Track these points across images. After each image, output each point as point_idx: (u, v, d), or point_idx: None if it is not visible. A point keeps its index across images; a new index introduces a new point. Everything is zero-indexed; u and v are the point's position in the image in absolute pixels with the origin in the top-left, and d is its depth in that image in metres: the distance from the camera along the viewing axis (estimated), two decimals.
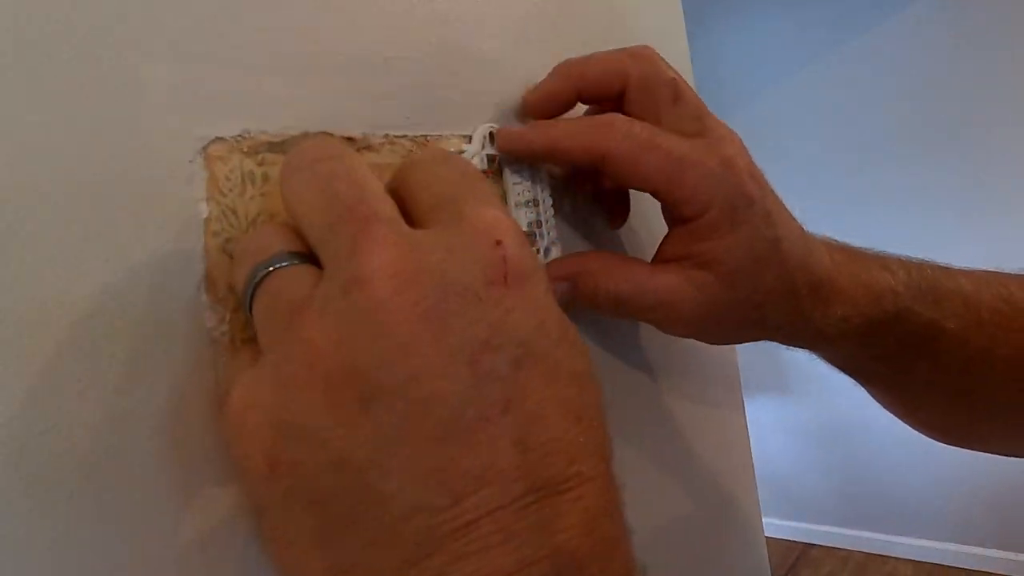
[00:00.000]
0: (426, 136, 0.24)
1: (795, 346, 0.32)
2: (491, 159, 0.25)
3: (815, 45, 2.47)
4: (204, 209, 0.18)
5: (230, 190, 0.19)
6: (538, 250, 0.26)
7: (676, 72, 0.27)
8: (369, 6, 0.23)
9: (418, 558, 0.13)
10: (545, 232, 0.27)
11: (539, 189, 0.27)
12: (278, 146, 0.20)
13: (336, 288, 0.14)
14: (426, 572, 0.13)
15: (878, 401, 0.39)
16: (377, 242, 0.14)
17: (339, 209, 0.15)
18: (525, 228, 0.26)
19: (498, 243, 0.15)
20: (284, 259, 0.16)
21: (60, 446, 0.16)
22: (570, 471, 0.15)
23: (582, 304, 0.27)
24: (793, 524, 2.74)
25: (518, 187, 0.26)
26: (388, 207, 0.16)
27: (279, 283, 0.16)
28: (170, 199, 0.18)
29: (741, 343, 0.32)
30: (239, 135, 0.19)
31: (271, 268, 0.16)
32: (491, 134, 0.25)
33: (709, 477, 0.38)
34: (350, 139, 0.22)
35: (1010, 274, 0.37)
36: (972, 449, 0.42)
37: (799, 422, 2.66)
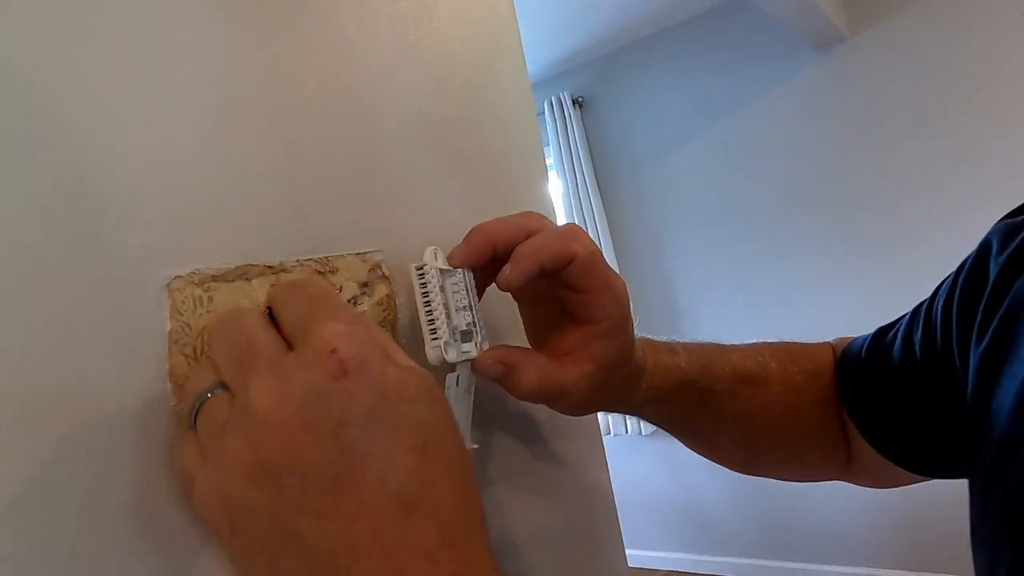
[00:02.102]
0: (327, 257, 0.34)
1: (619, 412, 0.45)
2: (442, 272, 0.34)
3: (712, 113, 2.73)
4: (168, 325, 0.27)
5: (186, 310, 0.28)
6: (476, 344, 0.35)
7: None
8: (277, 174, 0.33)
9: (334, 570, 0.22)
10: (478, 329, 0.35)
11: (471, 297, 0.35)
12: (219, 276, 0.29)
13: (239, 410, 0.23)
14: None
15: (688, 447, 0.52)
16: (258, 376, 0.23)
17: (235, 356, 0.25)
18: (464, 327, 0.34)
19: (333, 351, 0.23)
20: (213, 389, 0.25)
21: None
22: (420, 491, 0.23)
23: (506, 387, 0.37)
24: (718, 559, 2.86)
25: (457, 295, 0.34)
26: (269, 343, 0.25)
27: (210, 408, 0.25)
28: (145, 319, 0.27)
29: (604, 409, 0.44)
30: (191, 272, 0.28)
31: (207, 396, 0.25)
32: (435, 251, 0.34)
33: (573, 517, 0.48)
34: (270, 266, 0.31)
35: (772, 344, 0.51)
36: (763, 476, 0.55)
37: None
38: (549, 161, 3.15)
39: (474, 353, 0.35)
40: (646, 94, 2.89)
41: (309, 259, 0.33)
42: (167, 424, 0.27)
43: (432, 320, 0.34)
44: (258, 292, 0.31)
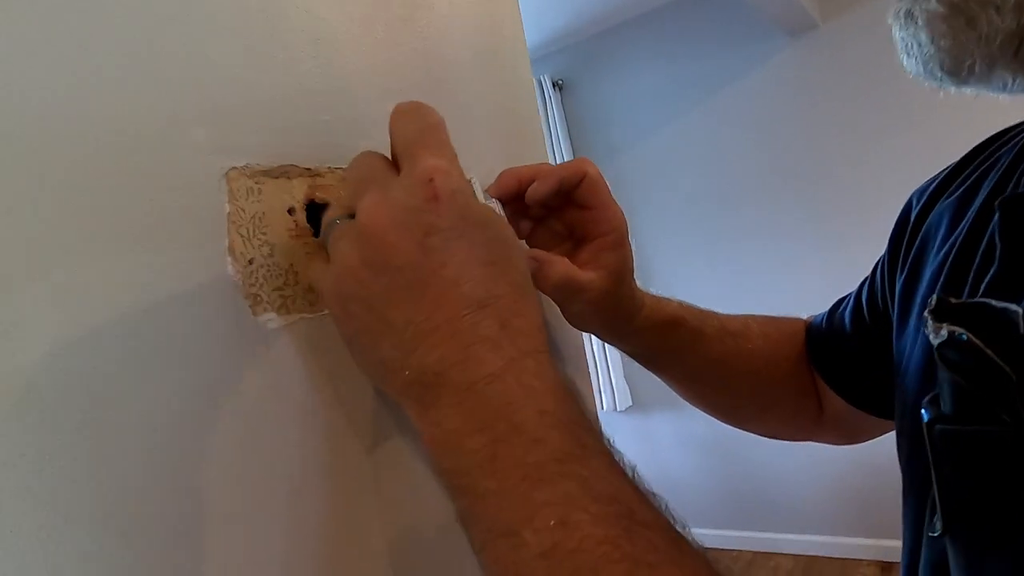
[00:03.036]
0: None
1: (620, 341, 0.51)
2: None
3: (688, 97, 2.80)
4: (227, 207, 0.32)
5: (240, 197, 0.32)
6: None
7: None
8: (311, 94, 0.38)
9: (416, 351, 0.28)
10: None
11: (504, 217, 0.43)
12: (267, 172, 0.34)
13: (353, 223, 0.30)
14: (422, 354, 0.28)
15: (672, 388, 0.59)
16: (369, 193, 0.30)
17: (357, 182, 0.32)
18: None
19: (430, 180, 0.29)
20: (342, 217, 0.32)
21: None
22: (488, 295, 0.29)
23: (536, 279, 0.44)
24: (691, 531, 2.96)
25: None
26: (381, 170, 0.31)
27: (337, 228, 0.32)
28: (210, 200, 0.31)
29: (601, 333, 0.51)
30: (245, 165, 0.33)
31: (335, 222, 0.32)
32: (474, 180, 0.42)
33: None
34: (307, 168, 0.36)
35: (756, 316, 0.60)
36: (744, 428, 0.63)
37: (692, 435, 2.91)
38: None
39: None
40: (624, 78, 2.95)
41: (339, 167, 0.38)
42: (227, 288, 0.31)
43: None
44: (297, 189, 0.35)
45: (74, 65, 0.27)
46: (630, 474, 0.28)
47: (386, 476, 0.38)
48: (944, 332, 0.33)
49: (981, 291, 0.35)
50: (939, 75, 0.36)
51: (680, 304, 0.54)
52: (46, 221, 0.26)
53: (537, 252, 0.45)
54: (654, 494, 0.28)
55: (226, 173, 0.32)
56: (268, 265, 0.33)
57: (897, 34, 0.37)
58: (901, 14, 0.36)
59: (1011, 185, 0.39)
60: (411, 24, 0.45)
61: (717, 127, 2.73)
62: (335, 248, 0.31)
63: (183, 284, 0.30)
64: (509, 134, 0.53)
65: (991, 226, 0.36)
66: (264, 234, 0.33)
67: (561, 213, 0.47)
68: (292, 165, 0.35)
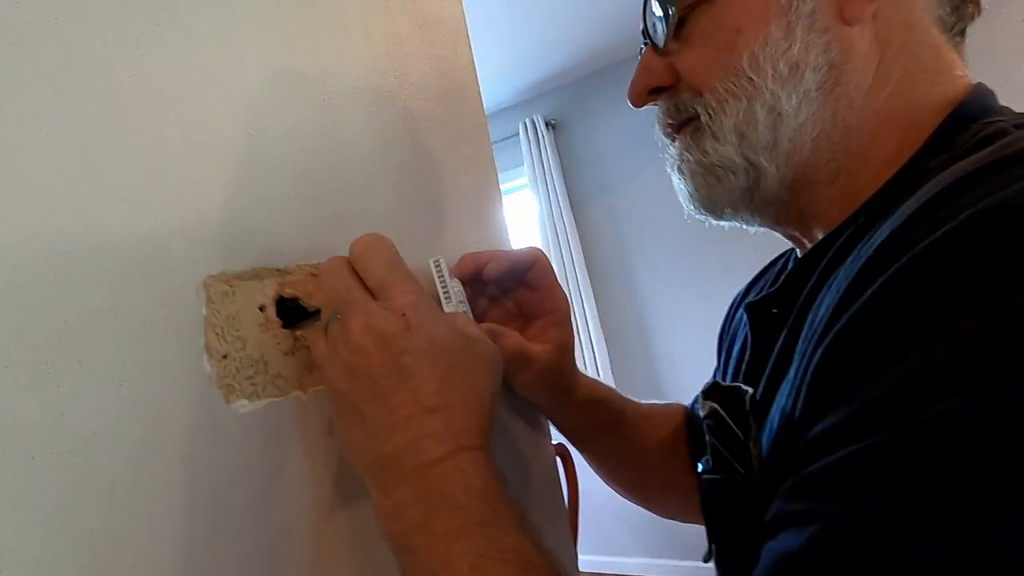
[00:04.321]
0: (318, 263, 0.44)
1: (559, 414, 0.58)
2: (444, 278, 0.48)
3: None
4: (204, 311, 0.37)
5: (216, 300, 0.38)
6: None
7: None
8: (278, 201, 0.43)
9: (379, 439, 0.35)
10: (469, 315, 0.49)
11: (465, 294, 0.49)
12: (240, 276, 0.39)
13: (343, 333, 0.37)
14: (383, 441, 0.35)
15: (594, 469, 0.66)
16: (356, 315, 0.37)
17: (341, 297, 0.38)
18: (463, 308, 0.48)
19: (403, 314, 0.36)
20: (334, 316, 0.39)
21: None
22: (440, 403, 0.36)
23: None
24: (684, 563, 2.96)
25: (458, 293, 0.48)
26: (360, 294, 0.38)
27: (332, 327, 0.39)
28: (189, 307, 0.37)
29: (545, 406, 0.57)
30: (221, 273, 0.38)
31: (334, 318, 0.39)
32: (438, 261, 0.48)
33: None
34: (277, 269, 0.41)
35: (664, 403, 0.68)
36: (653, 509, 0.69)
37: None
38: (523, 180, 3.28)
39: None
40: (616, 117, 3.03)
41: (305, 263, 0.43)
42: (203, 381, 0.37)
43: (447, 293, 0.48)
44: (267, 287, 0.41)
45: (67, 203, 0.33)
46: (533, 533, 0.35)
47: (353, 532, 0.43)
48: (707, 407, 0.44)
49: (741, 374, 0.45)
50: (702, 212, 0.47)
51: (607, 387, 0.61)
52: (47, 340, 0.31)
53: (492, 326, 0.51)
54: (547, 549, 0.34)
55: (204, 281, 0.38)
56: (240, 358, 0.39)
57: (674, 181, 0.48)
58: (674, 167, 0.47)
59: (759, 290, 0.51)
60: (371, 123, 0.51)
61: None
62: (332, 349, 0.38)
63: (165, 382, 0.35)
64: (473, 215, 0.59)
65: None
66: (237, 330, 0.39)
67: (513, 293, 0.53)
68: (263, 267, 0.41)
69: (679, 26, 0.44)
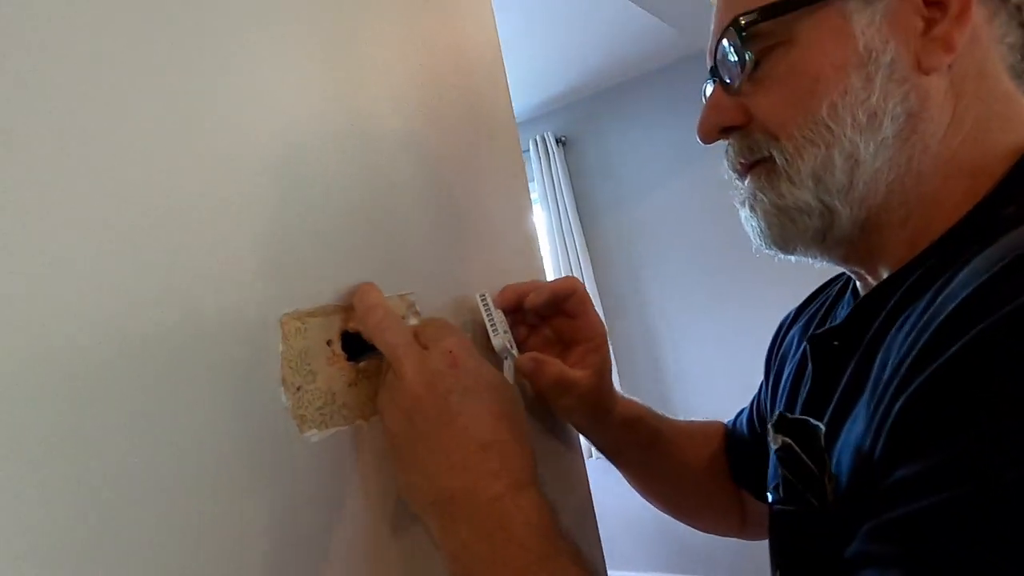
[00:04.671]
0: (404, 294, 0.47)
1: (598, 433, 0.61)
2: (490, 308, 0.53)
3: (687, 154, 2.90)
4: (280, 347, 0.40)
5: (290, 336, 0.41)
6: (512, 354, 0.53)
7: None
8: (339, 244, 0.46)
9: (435, 479, 0.38)
10: (513, 343, 0.53)
11: (507, 325, 0.53)
12: (312, 313, 0.42)
13: (397, 378, 0.40)
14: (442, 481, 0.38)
15: (630, 482, 0.68)
16: (410, 361, 0.40)
17: (400, 344, 0.41)
18: (508, 344, 0.52)
19: (451, 352, 0.39)
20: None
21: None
22: (493, 439, 0.39)
23: (535, 378, 0.54)
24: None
25: (502, 323, 0.52)
26: (414, 344, 0.41)
27: (388, 372, 0.42)
28: (267, 343, 0.39)
29: (583, 426, 0.60)
30: (295, 310, 0.41)
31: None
32: (484, 296, 0.53)
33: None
34: (342, 307, 0.44)
35: (699, 421, 0.70)
36: (689, 523, 0.71)
37: None
38: (534, 195, 3.31)
39: (516, 352, 0.54)
40: (625, 135, 3.07)
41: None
42: (279, 414, 0.39)
43: (493, 324, 0.52)
44: (333, 324, 0.44)
45: (169, 263, 0.36)
46: (588, 563, 0.37)
47: (411, 555, 0.45)
48: (779, 440, 0.46)
49: (799, 406, 0.47)
50: (772, 248, 0.47)
51: (643, 405, 0.64)
52: (143, 377, 0.34)
53: (536, 355, 0.54)
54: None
55: (280, 319, 0.40)
56: (311, 390, 0.41)
57: (743, 215, 0.48)
58: (745, 203, 0.48)
59: (817, 322, 0.53)
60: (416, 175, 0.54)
61: (716, 182, 2.81)
62: (387, 392, 0.41)
63: (246, 415, 0.38)
64: (510, 245, 0.62)
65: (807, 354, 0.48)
66: (309, 364, 0.42)
67: (551, 321, 0.56)
68: (329, 304, 0.44)
69: (753, 68, 0.44)
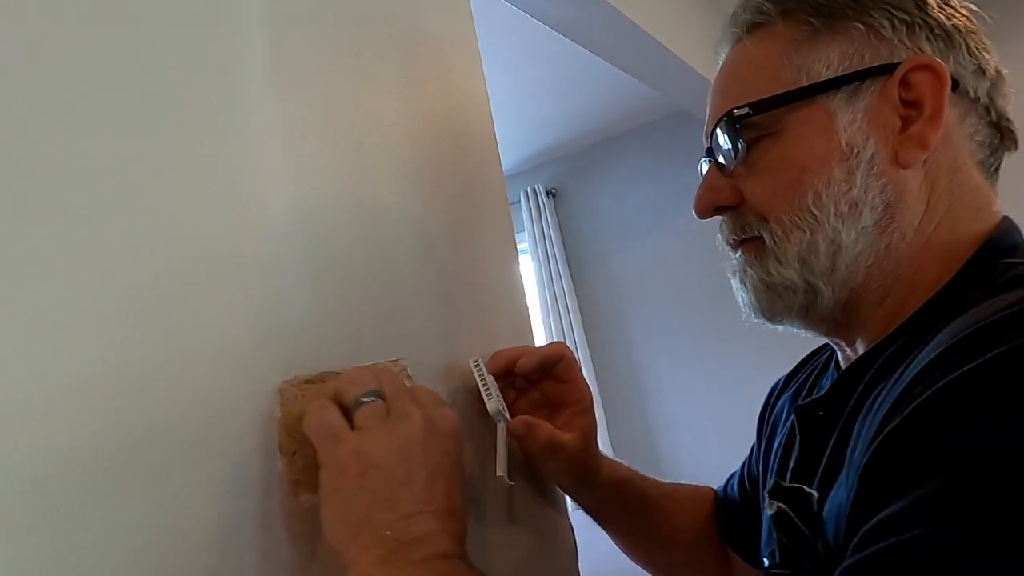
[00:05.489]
0: (371, 364, 0.49)
1: (584, 495, 0.62)
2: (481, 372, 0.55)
3: (675, 207, 2.96)
4: (279, 413, 0.42)
5: (288, 402, 0.42)
6: (505, 417, 0.55)
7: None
8: (334, 318, 0.48)
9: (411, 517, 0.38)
10: (505, 407, 0.55)
11: (498, 389, 0.55)
12: (309, 380, 0.44)
13: (399, 412, 0.41)
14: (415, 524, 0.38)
15: (617, 544, 0.70)
16: (416, 401, 0.41)
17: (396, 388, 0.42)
18: (502, 407, 0.54)
19: (456, 420, 0.41)
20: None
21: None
22: (458, 506, 0.40)
23: (526, 441, 0.55)
24: None
25: (495, 388, 0.54)
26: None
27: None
28: (264, 410, 0.41)
29: (570, 488, 0.62)
30: (294, 378, 0.43)
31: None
32: (477, 361, 0.55)
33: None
34: (337, 372, 0.46)
35: (685, 484, 0.71)
36: None
37: None
38: (523, 246, 3.36)
39: (507, 416, 0.55)
40: (614, 188, 3.14)
41: (363, 364, 0.48)
42: (274, 478, 0.41)
43: (487, 388, 0.54)
44: (330, 388, 0.45)
45: (172, 319, 0.38)
46: None
47: None
48: (775, 507, 0.47)
49: (790, 472, 0.49)
50: (760, 318, 0.50)
51: (629, 467, 0.65)
52: (142, 449, 0.36)
53: (528, 418, 0.56)
54: None
55: (279, 386, 0.42)
56: (307, 454, 0.43)
57: (734, 285, 0.52)
58: (735, 274, 0.51)
59: (805, 391, 0.56)
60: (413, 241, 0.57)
61: (704, 235, 2.87)
62: (377, 423, 0.40)
63: (243, 482, 0.39)
64: (502, 311, 0.64)
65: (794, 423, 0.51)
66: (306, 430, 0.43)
67: (540, 385, 0.58)
68: (327, 371, 0.46)
69: (746, 154, 0.48)
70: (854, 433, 0.41)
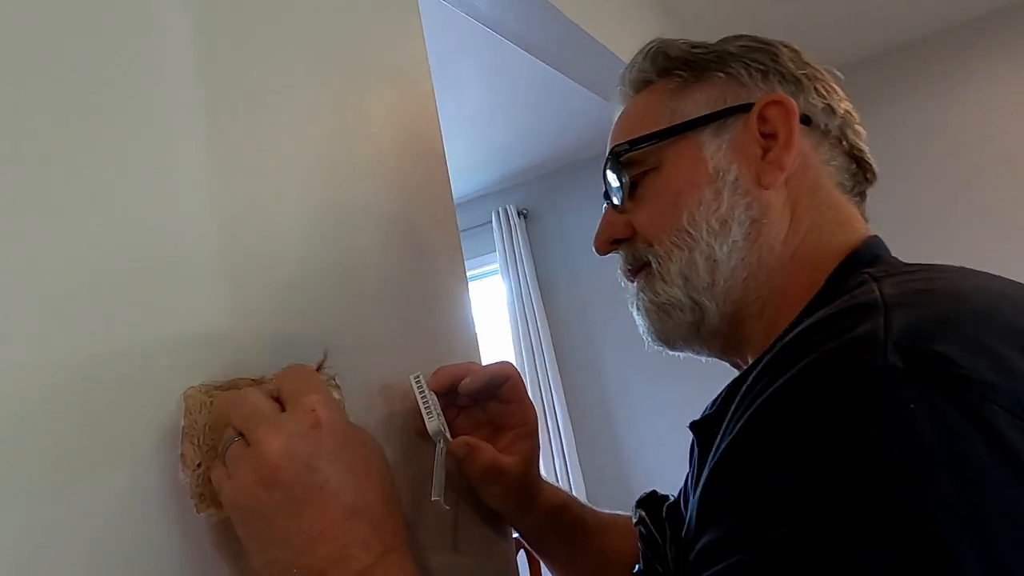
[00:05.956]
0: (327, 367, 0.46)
1: (521, 519, 0.60)
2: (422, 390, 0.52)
3: None
4: (182, 422, 0.39)
5: (195, 411, 0.40)
6: (446, 438, 0.51)
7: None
8: (258, 315, 0.46)
9: (304, 554, 0.35)
10: (446, 427, 0.52)
11: (440, 407, 0.52)
12: (220, 387, 0.41)
13: (249, 449, 0.36)
14: (307, 555, 0.35)
15: (551, 569, 0.70)
16: (262, 426, 0.36)
17: (248, 416, 0.38)
18: (443, 427, 0.51)
19: (312, 410, 0.37)
20: (235, 438, 0.38)
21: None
22: (363, 504, 0.36)
23: (466, 464, 0.53)
24: None
25: (436, 407, 0.51)
26: (269, 406, 0.38)
27: (233, 447, 0.37)
28: (168, 419, 0.38)
29: (508, 512, 0.60)
30: (202, 384, 0.40)
31: (232, 440, 0.38)
32: (418, 377, 0.51)
33: None
34: (254, 379, 0.43)
35: (623, 514, 0.69)
36: None
37: None
38: (495, 266, 3.35)
39: (448, 437, 0.52)
40: (586, 209, 3.15)
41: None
42: (177, 490, 0.38)
43: (428, 406, 0.51)
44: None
45: (61, 321, 0.35)
46: None
47: None
48: (638, 514, 0.50)
49: (689, 488, 0.50)
50: (658, 343, 0.54)
51: (567, 493, 0.63)
52: (38, 456, 0.33)
53: (469, 439, 0.53)
54: None
55: (184, 393, 0.40)
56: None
57: (635, 316, 0.55)
58: (633, 304, 0.55)
59: (705, 411, 0.55)
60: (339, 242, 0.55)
61: None
62: (234, 466, 0.37)
63: (141, 492, 0.36)
64: (445, 325, 0.62)
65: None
66: (213, 439, 0.40)
67: (484, 404, 0.56)
68: (240, 377, 0.43)
69: (632, 189, 0.53)
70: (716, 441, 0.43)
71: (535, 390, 3.13)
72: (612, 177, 0.54)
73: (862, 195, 0.54)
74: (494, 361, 0.57)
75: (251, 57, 0.50)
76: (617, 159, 0.53)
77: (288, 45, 0.53)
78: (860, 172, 0.54)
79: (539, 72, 1.51)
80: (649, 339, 0.54)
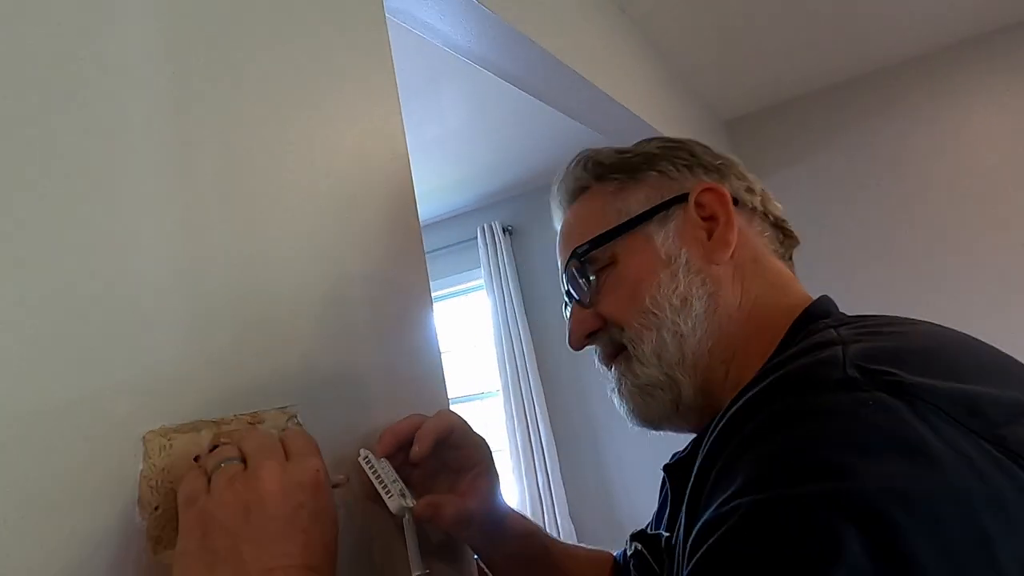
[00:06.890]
0: (256, 412, 0.47)
1: (489, 546, 0.62)
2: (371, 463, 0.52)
3: None
4: (141, 466, 0.40)
5: (153, 454, 0.41)
6: (409, 499, 0.52)
7: None
8: (218, 359, 0.47)
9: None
10: (407, 494, 0.52)
11: (394, 473, 0.53)
12: (178, 430, 0.42)
13: (237, 472, 0.39)
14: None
15: None
16: (272, 459, 0.39)
17: (259, 448, 0.40)
18: (402, 500, 0.51)
19: (316, 471, 0.40)
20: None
21: None
22: (322, 561, 0.38)
23: (436, 522, 0.54)
24: None
25: (390, 476, 0.52)
26: (279, 451, 0.41)
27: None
28: (125, 462, 0.39)
29: (480, 549, 0.62)
30: (160, 427, 0.41)
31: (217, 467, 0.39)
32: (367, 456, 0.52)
33: None
34: (214, 421, 0.44)
35: (586, 547, 0.72)
36: None
37: None
38: (479, 282, 3.36)
39: (411, 503, 0.52)
40: None
41: (243, 413, 0.47)
42: (134, 534, 0.39)
43: (383, 483, 0.51)
44: (204, 438, 0.44)
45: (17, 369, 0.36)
46: None
47: None
48: (634, 547, 0.54)
49: (664, 524, 0.54)
50: (642, 425, 0.58)
51: (532, 521, 0.65)
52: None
53: (431, 499, 0.55)
54: None
55: (143, 436, 0.41)
56: (172, 508, 0.41)
57: (615, 400, 0.58)
58: (614, 390, 0.58)
59: (678, 455, 0.58)
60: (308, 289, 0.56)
61: None
62: (223, 481, 0.38)
63: (97, 536, 0.37)
64: (407, 365, 0.64)
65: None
66: (171, 482, 0.41)
67: (438, 453, 0.57)
68: (200, 420, 0.44)
69: (596, 284, 0.58)
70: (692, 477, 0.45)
71: (519, 405, 3.14)
72: (576, 276, 0.58)
73: (790, 258, 0.61)
74: (432, 415, 0.58)
75: (218, 97, 0.52)
76: (580, 259, 0.58)
77: (257, 84, 0.55)
78: (785, 239, 0.61)
79: (523, 95, 1.53)
80: (632, 422, 0.57)
